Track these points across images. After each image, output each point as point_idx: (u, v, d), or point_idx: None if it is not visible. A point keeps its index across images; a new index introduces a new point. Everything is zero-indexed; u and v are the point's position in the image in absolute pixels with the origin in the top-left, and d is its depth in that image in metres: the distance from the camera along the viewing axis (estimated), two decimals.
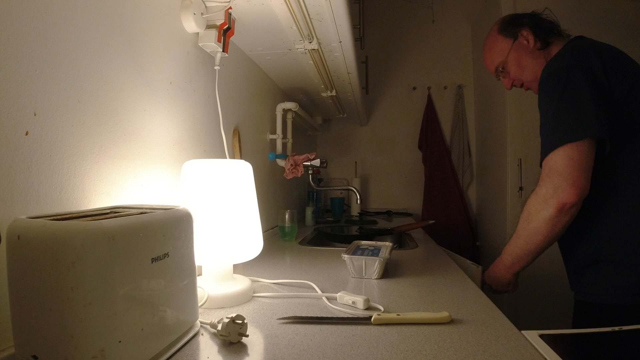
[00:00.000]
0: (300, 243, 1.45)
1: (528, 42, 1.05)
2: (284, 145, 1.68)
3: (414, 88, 2.68)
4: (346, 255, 0.96)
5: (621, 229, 0.89)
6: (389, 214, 2.54)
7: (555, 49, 1.03)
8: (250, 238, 0.78)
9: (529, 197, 0.94)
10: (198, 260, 0.62)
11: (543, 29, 1.05)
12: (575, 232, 0.95)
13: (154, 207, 0.56)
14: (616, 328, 0.73)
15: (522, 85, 1.12)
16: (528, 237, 0.94)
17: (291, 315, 0.68)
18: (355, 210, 2.42)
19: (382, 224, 2.07)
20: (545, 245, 0.93)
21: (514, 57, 1.08)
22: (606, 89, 0.89)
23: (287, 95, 1.87)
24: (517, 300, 1.25)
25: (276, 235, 1.59)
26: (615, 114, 0.88)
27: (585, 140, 0.85)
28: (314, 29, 1.11)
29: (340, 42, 1.20)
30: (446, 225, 2.43)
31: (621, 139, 0.89)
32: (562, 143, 0.86)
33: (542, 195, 0.89)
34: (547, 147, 0.89)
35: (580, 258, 0.96)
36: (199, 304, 0.65)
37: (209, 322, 0.62)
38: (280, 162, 1.61)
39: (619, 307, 0.86)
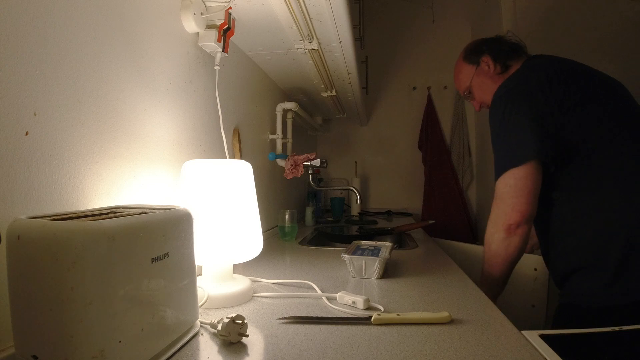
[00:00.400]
0: (300, 243, 1.45)
1: (489, 68, 1.13)
2: (284, 145, 1.68)
3: (414, 88, 2.68)
4: (346, 255, 0.96)
5: (588, 238, 0.92)
6: (389, 214, 2.54)
7: (514, 70, 1.09)
8: (250, 238, 0.78)
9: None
10: (198, 260, 0.62)
11: (502, 53, 1.12)
12: (549, 245, 1.01)
13: (154, 207, 0.56)
14: (616, 328, 0.73)
15: (488, 107, 1.17)
16: (490, 260, 1.01)
17: (291, 315, 0.68)
18: (355, 210, 2.42)
19: (382, 224, 2.07)
20: (505, 267, 1.00)
21: (477, 83, 1.17)
22: (547, 108, 0.93)
23: (287, 95, 1.87)
24: (517, 301, 1.29)
25: (276, 235, 1.59)
26: (565, 129, 0.92)
27: (523, 165, 0.92)
28: (314, 29, 1.11)
29: (340, 42, 1.20)
30: (446, 225, 2.43)
31: (576, 152, 0.92)
32: (503, 171, 0.95)
33: (493, 220, 0.99)
34: (495, 174, 0.98)
35: (560, 269, 0.99)
36: (199, 304, 0.65)
37: (209, 322, 0.62)
38: (280, 162, 1.61)
39: (601, 308, 0.88)
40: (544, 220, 1.01)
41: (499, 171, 0.97)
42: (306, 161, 1.58)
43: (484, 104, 1.18)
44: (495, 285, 1.02)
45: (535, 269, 1.30)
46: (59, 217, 0.44)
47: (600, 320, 0.85)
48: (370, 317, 0.65)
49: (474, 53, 1.18)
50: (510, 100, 0.97)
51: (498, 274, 1.01)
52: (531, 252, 1.32)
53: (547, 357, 0.53)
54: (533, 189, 0.92)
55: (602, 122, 0.93)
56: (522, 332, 0.61)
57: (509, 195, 0.94)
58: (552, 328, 0.96)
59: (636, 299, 0.83)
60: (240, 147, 1.22)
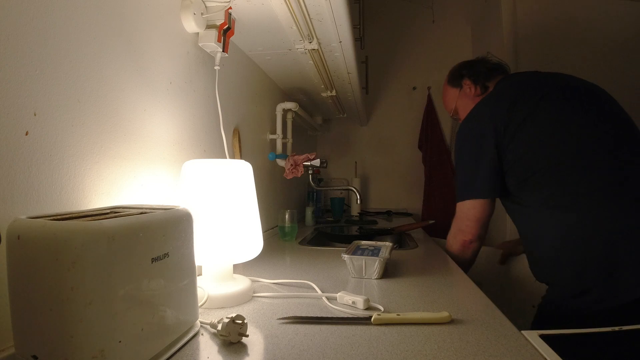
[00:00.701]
0: (300, 243, 1.45)
1: (470, 90, 1.21)
2: (284, 145, 1.68)
3: (414, 88, 2.68)
4: (346, 255, 0.96)
5: (547, 254, 0.97)
6: (389, 214, 2.54)
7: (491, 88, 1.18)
8: (250, 238, 0.78)
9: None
10: (198, 260, 0.62)
11: (480, 75, 1.20)
12: (526, 255, 1.10)
13: (154, 207, 0.56)
14: (616, 328, 0.73)
15: None
16: (452, 257, 1.18)
17: (291, 315, 0.68)
18: (355, 210, 2.42)
19: (382, 224, 2.07)
20: (464, 264, 1.18)
21: (460, 105, 1.26)
22: (497, 143, 1.02)
23: (287, 95, 1.87)
24: (517, 301, 1.29)
25: (276, 235, 1.59)
26: (518, 153, 1.00)
27: (472, 200, 1.08)
28: (314, 29, 1.11)
29: (340, 42, 1.20)
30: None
31: (535, 171, 0.98)
32: (459, 199, 1.12)
33: (452, 233, 1.20)
34: (456, 198, 1.15)
35: (537, 277, 1.06)
36: (199, 304, 0.65)
37: (209, 322, 0.62)
38: (280, 162, 1.61)
39: (569, 314, 0.93)
40: (520, 233, 1.09)
41: (457, 198, 1.14)
42: (306, 161, 1.58)
43: None
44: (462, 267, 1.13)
45: None
46: (59, 217, 0.44)
47: (568, 324, 0.91)
48: (370, 317, 0.65)
49: (456, 77, 1.27)
50: (467, 135, 1.09)
51: (460, 265, 1.13)
52: None
53: (547, 357, 0.53)
54: (482, 217, 1.10)
55: (569, 138, 0.96)
56: (522, 332, 0.61)
57: (463, 219, 1.13)
58: (531, 329, 1.00)
59: (604, 307, 0.87)
60: (240, 147, 1.22)
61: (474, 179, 1.07)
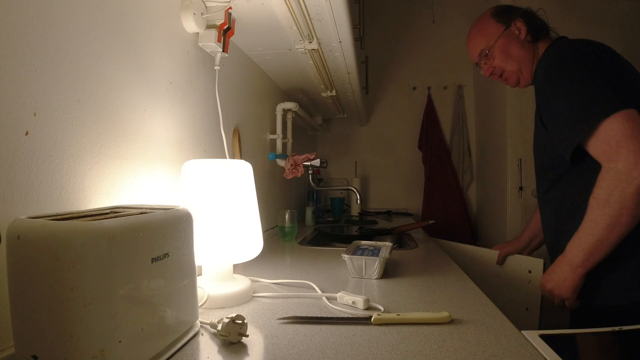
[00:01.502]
0: (300, 243, 1.45)
1: (519, 33, 1.05)
2: (284, 145, 1.68)
3: (414, 88, 2.68)
4: (346, 255, 0.96)
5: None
6: (389, 214, 2.54)
7: (542, 47, 1.04)
8: (250, 238, 0.78)
9: (597, 181, 0.82)
10: (198, 260, 0.62)
11: (536, 23, 1.05)
12: (560, 232, 0.96)
13: (154, 207, 0.56)
14: (616, 328, 0.73)
15: (501, 75, 1.10)
16: (610, 221, 0.80)
17: (291, 315, 0.68)
18: (355, 210, 2.42)
19: (382, 224, 2.07)
20: (630, 228, 0.80)
21: (502, 44, 1.06)
22: (620, 73, 0.87)
23: (287, 95, 1.87)
24: (510, 304, 1.29)
25: (276, 235, 1.59)
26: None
27: (629, 110, 0.79)
28: (314, 29, 1.11)
29: (340, 42, 1.20)
30: (446, 225, 2.43)
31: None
32: (612, 112, 0.79)
33: (621, 170, 0.77)
34: (584, 124, 0.82)
35: None
36: (199, 304, 0.65)
37: (209, 322, 0.62)
38: (280, 162, 1.61)
39: (608, 307, 0.88)
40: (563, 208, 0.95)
41: (603, 115, 0.80)
42: (306, 161, 1.58)
43: (498, 69, 1.09)
44: (592, 260, 0.85)
45: (530, 271, 1.29)
46: (59, 217, 0.44)
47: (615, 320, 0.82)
48: (370, 317, 0.65)
49: (506, 13, 1.08)
50: (587, 57, 0.88)
51: (610, 239, 0.82)
52: (529, 253, 1.31)
53: (547, 357, 0.53)
54: None
55: None
56: (522, 332, 0.61)
57: (622, 147, 0.76)
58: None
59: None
60: (240, 147, 1.22)
61: (612, 92, 0.81)
